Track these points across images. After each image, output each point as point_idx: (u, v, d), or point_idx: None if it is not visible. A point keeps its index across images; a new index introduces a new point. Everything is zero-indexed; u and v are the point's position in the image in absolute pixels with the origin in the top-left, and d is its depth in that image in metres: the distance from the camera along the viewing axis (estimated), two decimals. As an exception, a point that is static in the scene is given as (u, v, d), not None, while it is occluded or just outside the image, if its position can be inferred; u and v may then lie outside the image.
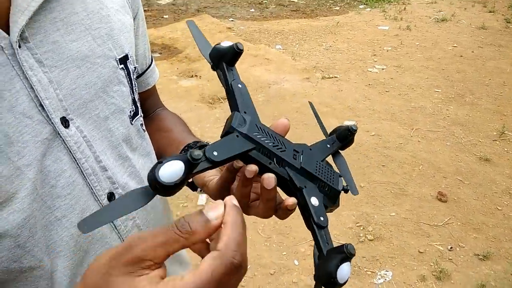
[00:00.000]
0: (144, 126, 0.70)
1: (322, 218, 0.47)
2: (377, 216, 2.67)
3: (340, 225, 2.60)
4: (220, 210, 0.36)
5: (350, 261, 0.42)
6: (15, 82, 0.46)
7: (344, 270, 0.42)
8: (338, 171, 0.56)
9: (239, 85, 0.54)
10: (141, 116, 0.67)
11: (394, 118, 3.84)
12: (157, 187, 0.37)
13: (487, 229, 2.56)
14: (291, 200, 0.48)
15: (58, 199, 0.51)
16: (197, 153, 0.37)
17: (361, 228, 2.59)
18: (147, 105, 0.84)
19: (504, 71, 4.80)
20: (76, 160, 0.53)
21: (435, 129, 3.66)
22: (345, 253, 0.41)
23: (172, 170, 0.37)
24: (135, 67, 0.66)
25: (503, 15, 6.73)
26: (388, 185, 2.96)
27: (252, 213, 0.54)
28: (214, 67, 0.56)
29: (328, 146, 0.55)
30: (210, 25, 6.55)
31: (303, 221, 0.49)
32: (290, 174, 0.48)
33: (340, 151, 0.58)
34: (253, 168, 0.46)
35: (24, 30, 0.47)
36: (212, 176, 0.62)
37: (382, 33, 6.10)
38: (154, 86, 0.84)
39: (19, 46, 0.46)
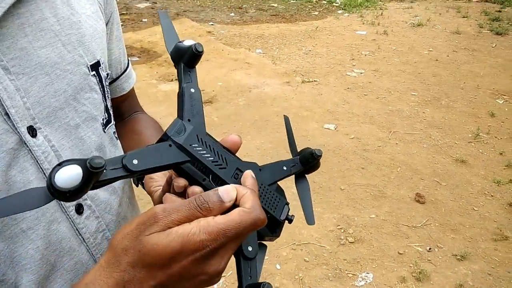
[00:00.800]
0: (116, 133, 0.68)
1: (250, 249, 0.44)
2: (357, 218, 2.70)
3: (321, 228, 2.61)
4: (233, 195, 0.41)
5: None
6: None
7: None
8: (299, 197, 0.54)
9: (192, 90, 0.49)
10: (113, 123, 0.66)
11: (373, 121, 3.90)
12: (52, 192, 0.34)
13: (464, 229, 2.62)
14: None
15: None
16: (98, 161, 0.34)
17: (342, 230, 2.60)
18: (123, 109, 0.82)
19: (477, 74, 4.94)
20: (43, 171, 0.51)
21: (412, 132, 3.72)
22: None
23: (68, 175, 0.34)
24: (107, 74, 0.64)
25: (476, 20, 6.94)
26: (367, 187, 2.99)
27: None
28: (175, 65, 0.52)
29: (285, 168, 0.52)
30: (190, 29, 6.52)
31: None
32: None
33: (306, 175, 0.56)
34: (180, 183, 0.45)
35: None
36: (158, 186, 0.61)
37: (360, 37, 6.20)
38: (132, 89, 0.82)
39: None
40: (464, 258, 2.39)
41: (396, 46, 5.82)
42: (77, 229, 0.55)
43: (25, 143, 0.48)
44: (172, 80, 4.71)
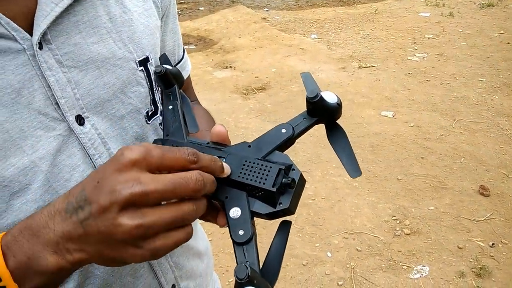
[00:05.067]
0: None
1: (241, 233, 0.42)
2: (415, 210, 2.60)
3: (376, 218, 2.55)
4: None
5: (253, 286, 0.37)
6: (33, 81, 0.49)
7: None
8: (335, 151, 0.48)
9: (170, 107, 0.54)
10: (161, 115, 0.69)
11: (435, 109, 3.70)
12: None
13: (533, 225, 2.42)
14: (220, 222, 0.47)
15: None
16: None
17: (398, 221, 2.52)
18: None
19: (556, 58, 4.50)
20: (89, 156, 0.54)
21: (478, 120, 3.49)
22: (236, 279, 0.37)
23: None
24: None
25: (557, -2, 6.29)
26: (427, 178, 2.86)
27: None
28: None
29: (284, 130, 0.48)
30: (245, 16, 6.53)
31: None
32: None
33: (337, 124, 0.50)
34: None
35: (47, 32, 0.50)
36: None
37: (423, 20, 5.87)
38: (188, 80, 0.84)
39: (40, 48, 0.49)
40: (533, 256, 2.22)
41: (462, 29, 5.44)
42: None
43: (73, 131, 0.53)
44: (227, 67, 4.78)
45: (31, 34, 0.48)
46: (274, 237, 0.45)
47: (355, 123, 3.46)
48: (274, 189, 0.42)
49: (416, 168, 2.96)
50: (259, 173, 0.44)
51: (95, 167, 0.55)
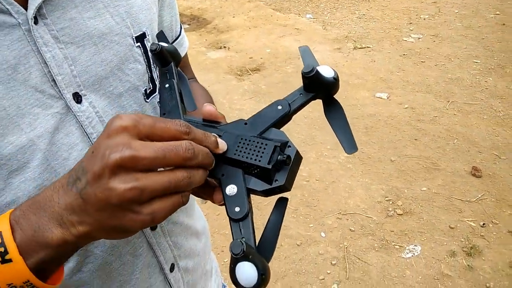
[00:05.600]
0: None
1: (237, 209, 0.42)
2: (408, 191, 2.63)
3: (369, 199, 2.58)
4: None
5: (249, 261, 0.37)
6: (29, 57, 0.48)
7: (242, 273, 0.37)
8: (331, 127, 0.48)
9: (166, 85, 0.54)
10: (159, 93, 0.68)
11: (429, 90, 3.70)
12: None
13: (523, 206, 2.47)
14: (216, 198, 0.47)
15: None
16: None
17: (390, 202, 2.55)
18: None
19: (551, 39, 4.50)
20: (87, 135, 0.54)
21: (472, 102, 3.50)
22: (231, 254, 0.37)
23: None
24: None
25: (553, -22, 6.24)
26: (420, 159, 2.89)
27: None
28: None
29: (280, 107, 0.48)
30: (239, -5, 6.42)
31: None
32: None
33: (334, 100, 0.50)
34: None
35: (42, 6, 0.48)
36: None
37: (419, 0, 5.81)
38: (185, 57, 0.83)
39: (35, 23, 0.48)
40: (522, 236, 2.27)
41: (458, 9, 5.40)
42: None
43: (70, 109, 0.52)
44: (220, 48, 4.72)
45: (25, 8, 0.47)
46: (271, 214, 0.45)
47: (350, 105, 3.46)
48: (270, 166, 0.42)
49: (409, 150, 2.98)
50: (254, 150, 0.44)
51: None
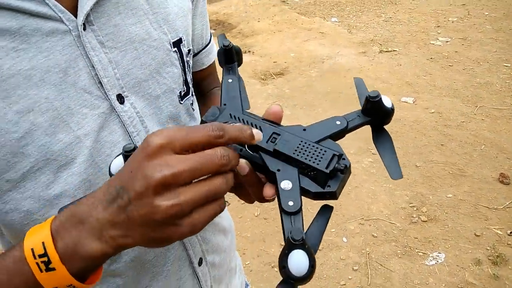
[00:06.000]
0: (194, 105, 0.73)
1: (290, 203, 0.43)
2: (433, 197, 2.59)
3: (392, 205, 2.56)
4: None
5: (303, 250, 0.38)
6: (78, 61, 0.52)
7: (295, 260, 0.38)
8: (379, 153, 0.51)
9: (229, 80, 0.55)
10: (192, 96, 0.71)
11: (457, 95, 3.63)
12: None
13: (554, 215, 2.39)
14: (266, 192, 0.47)
15: None
16: (129, 146, 0.44)
17: (415, 208, 2.52)
18: (204, 85, 0.87)
19: None
20: (129, 134, 0.58)
21: (501, 107, 3.41)
22: (289, 240, 0.37)
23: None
24: (189, 49, 0.69)
25: None
26: (446, 165, 2.84)
27: (241, 198, 0.55)
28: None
29: (339, 122, 0.50)
30: (265, -1, 6.47)
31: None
32: (264, 158, 0.46)
33: (384, 129, 0.52)
34: None
35: (90, 14, 0.53)
36: None
37: (447, 2, 5.70)
38: (213, 65, 0.86)
39: (84, 29, 0.52)
40: (552, 245, 2.20)
41: (489, 11, 5.26)
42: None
43: (114, 109, 0.56)
44: (245, 52, 4.77)
45: (75, 15, 0.51)
46: (314, 219, 0.47)
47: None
48: (328, 171, 0.44)
49: (435, 155, 2.94)
50: (314, 153, 0.46)
51: (133, 143, 0.58)
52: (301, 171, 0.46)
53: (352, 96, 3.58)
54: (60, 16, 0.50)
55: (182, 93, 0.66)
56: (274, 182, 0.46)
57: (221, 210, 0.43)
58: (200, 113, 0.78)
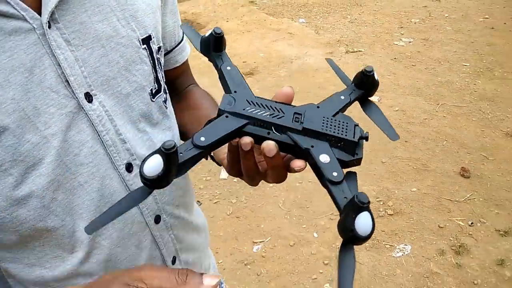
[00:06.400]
0: (167, 102, 0.73)
1: (335, 174, 0.45)
2: (398, 192, 2.69)
3: (360, 200, 2.63)
4: (214, 282, 0.43)
5: (368, 211, 0.39)
6: (44, 60, 0.51)
7: (362, 222, 0.39)
8: (373, 121, 0.54)
9: (228, 68, 0.55)
10: (164, 93, 0.71)
11: (420, 93, 3.77)
12: (146, 182, 0.40)
13: (510, 205, 2.53)
14: (297, 163, 0.48)
15: (81, 167, 0.57)
16: (169, 143, 0.39)
17: (381, 203, 2.61)
18: (178, 83, 0.87)
19: (538, 43, 4.59)
20: (97, 132, 0.57)
21: (461, 104, 3.58)
22: (357, 203, 0.39)
23: (151, 164, 0.39)
24: (159, 46, 0.69)
25: (541, -17, 6.36)
26: (410, 160, 2.95)
27: (267, 180, 0.55)
28: (208, 58, 0.58)
29: (343, 97, 0.53)
30: (233, -1, 6.48)
31: (319, 181, 0.47)
32: (294, 138, 0.48)
33: (370, 99, 0.56)
34: (246, 140, 0.47)
35: (55, 11, 0.51)
36: (225, 153, 0.65)
37: (410, 4, 5.91)
38: (186, 63, 0.86)
39: (49, 27, 0.51)
40: (508, 234, 2.33)
41: (448, 13, 5.50)
42: (126, 185, 0.62)
43: (82, 108, 0.55)
44: (215, 52, 4.77)
45: (39, 14, 0.50)
46: (347, 185, 0.48)
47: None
48: (356, 140, 0.48)
49: (400, 151, 3.04)
50: (339, 126, 0.49)
51: (102, 143, 0.58)
52: (331, 144, 0.48)
53: (320, 95, 3.66)
54: (23, 15, 0.49)
55: (154, 91, 0.66)
56: (305, 158, 0.48)
57: None
58: (175, 111, 0.78)
